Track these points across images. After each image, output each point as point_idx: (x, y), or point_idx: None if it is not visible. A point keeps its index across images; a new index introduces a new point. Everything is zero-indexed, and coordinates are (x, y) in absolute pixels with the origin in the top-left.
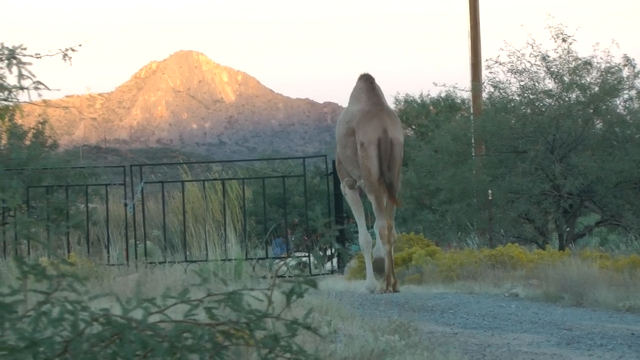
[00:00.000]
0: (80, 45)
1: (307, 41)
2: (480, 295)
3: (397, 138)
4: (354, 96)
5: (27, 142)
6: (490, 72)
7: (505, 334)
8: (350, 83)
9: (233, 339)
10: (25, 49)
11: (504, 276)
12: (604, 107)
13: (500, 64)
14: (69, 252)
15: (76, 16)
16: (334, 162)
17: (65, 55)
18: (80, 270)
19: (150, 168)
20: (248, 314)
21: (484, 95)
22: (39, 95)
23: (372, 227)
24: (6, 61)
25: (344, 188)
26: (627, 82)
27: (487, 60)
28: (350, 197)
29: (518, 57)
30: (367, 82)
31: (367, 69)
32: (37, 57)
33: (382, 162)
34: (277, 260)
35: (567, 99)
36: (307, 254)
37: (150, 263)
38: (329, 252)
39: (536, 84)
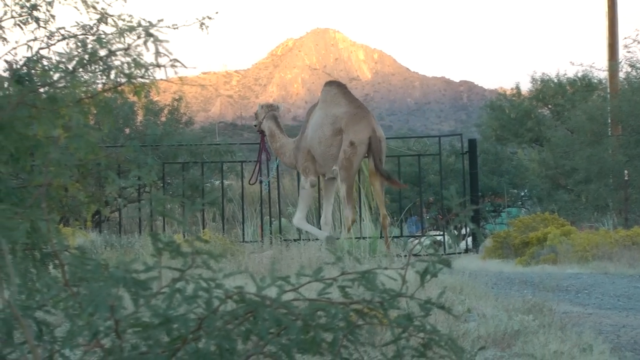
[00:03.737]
0: (217, 13)
1: (444, 19)
2: (615, 275)
3: (382, 136)
4: (329, 101)
5: (163, 119)
6: (628, 52)
7: None
8: (488, 60)
9: (366, 318)
10: (161, 20)
11: (639, 257)
12: None
13: (638, 42)
14: (203, 229)
15: None
16: (469, 141)
17: (202, 24)
18: (214, 248)
19: None
20: (382, 293)
21: (621, 75)
22: (175, 72)
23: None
24: (143, 39)
25: (306, 183)
26: None
27: (625, 38)
28: (308, 192)
29: None
30: (340, 88)
31: (506, 52)
32: (174, 28)
33: (375, 158)
34: (411, 239)
35: None
36: (441, 233)
37: (285, 240)
38: (463, 231)
39: None
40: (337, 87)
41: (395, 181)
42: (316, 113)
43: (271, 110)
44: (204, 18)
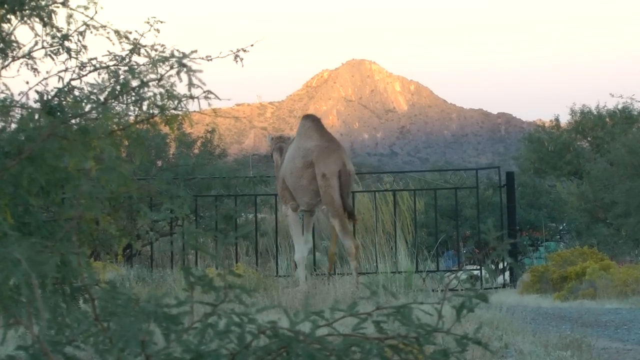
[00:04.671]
0: (252, 46)
1: (481, 49)
2: None
3: (352, 170)
4: (303, 134)
5: (196, 151)
6: None
7: None
8: (526, 92)
9: (402, 354)
10: (195, 51)
11: None
12: None
13: None
14: (236, 262)
15: (247, 23)
16: (507, 173)
17: (236, 56)
18: (247, 282)
19: None
20: (417, 328)
21: None
22: (209, 104)
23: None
24: (176, 69)
25: (287, 210)
26: None
27: None
28: (292, 218)
29: None
30: (314, 122)
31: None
32: (208, 60)
33: (343, 191)
34: (448, 273)
35: None
36: (478, 267)
37: (320, 274)
38: (500, 266)
39: None
40: (311, 121)
41: (353, 216)
42: (292, 145)
43: (280, 141)
44: (238, 50)
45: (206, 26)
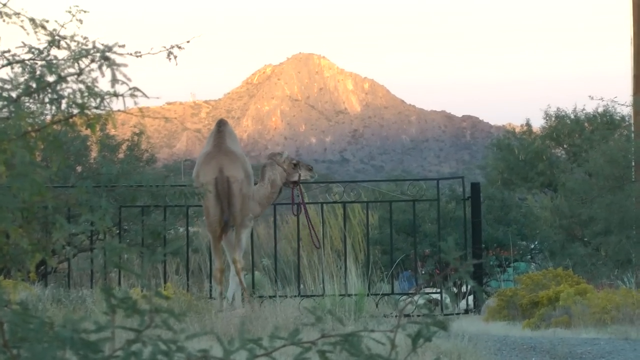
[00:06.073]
0: (188, 42)
1: (445, 45)
2: (637, 341)
3: (233, 176)
4: (208, 139)
5: (120, 156)
6: None
7: None
8: (494, 93)
9: None
10: (123, 46)
11: None
12: None
13: None
14: (165, 282)
15: (182, 13)
16: (471, 184)
17: (170, 53)
18: (177, 305)
19: None
20: (367, 359)
21: None
22: (135, 102)
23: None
24: (98, 63)
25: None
26: None
27: None
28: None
29: None
30: (216, 127)
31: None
32: (137, 56)
33: (222, 201)
34: (403, 297)
35: None
36: (438, 291)
37: (259, 297)
38: (463, 289)
39: None
40: (217, 125)
41: (225, 232)
42: None
43: (269, 159)
44: (172, 47)
45: (136, 19)
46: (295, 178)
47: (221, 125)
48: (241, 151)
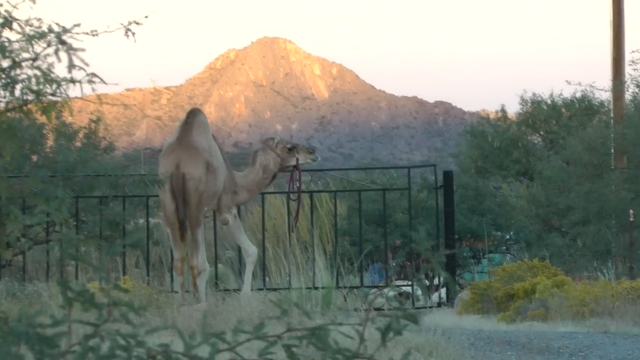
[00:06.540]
0: (146, 17)
1: (416, 28)
2: (616, 335)
3: (190, 173)
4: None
5: (78, 144)
6: (635, 69)
7: None
8: (468, 77)
9: None
10: (78, 25)
11: None
12: None
13: None
14: (124, 275)
15: None
16: (444, 173)
17: (127, 30)
18: (136, 298)
19: None
20: (335, 353)
21: (627, 96)
22: (93, 89)
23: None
24: (54, 47)
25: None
26: None
27: (632, 52)
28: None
29: None
30: (188, 117)
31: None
32: (94, 35)
33: (177, 198)
34: (373, 290)
35: None
36: (409, 283)
37: (222, 290)
38: (435, 281)
39: None
40: (186, 116)
41: (185, 231)
42: None
43: (262, 143)
44: (130, 23)
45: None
46: (293, 162)
47: (190, 116)
48: (210, 143)
